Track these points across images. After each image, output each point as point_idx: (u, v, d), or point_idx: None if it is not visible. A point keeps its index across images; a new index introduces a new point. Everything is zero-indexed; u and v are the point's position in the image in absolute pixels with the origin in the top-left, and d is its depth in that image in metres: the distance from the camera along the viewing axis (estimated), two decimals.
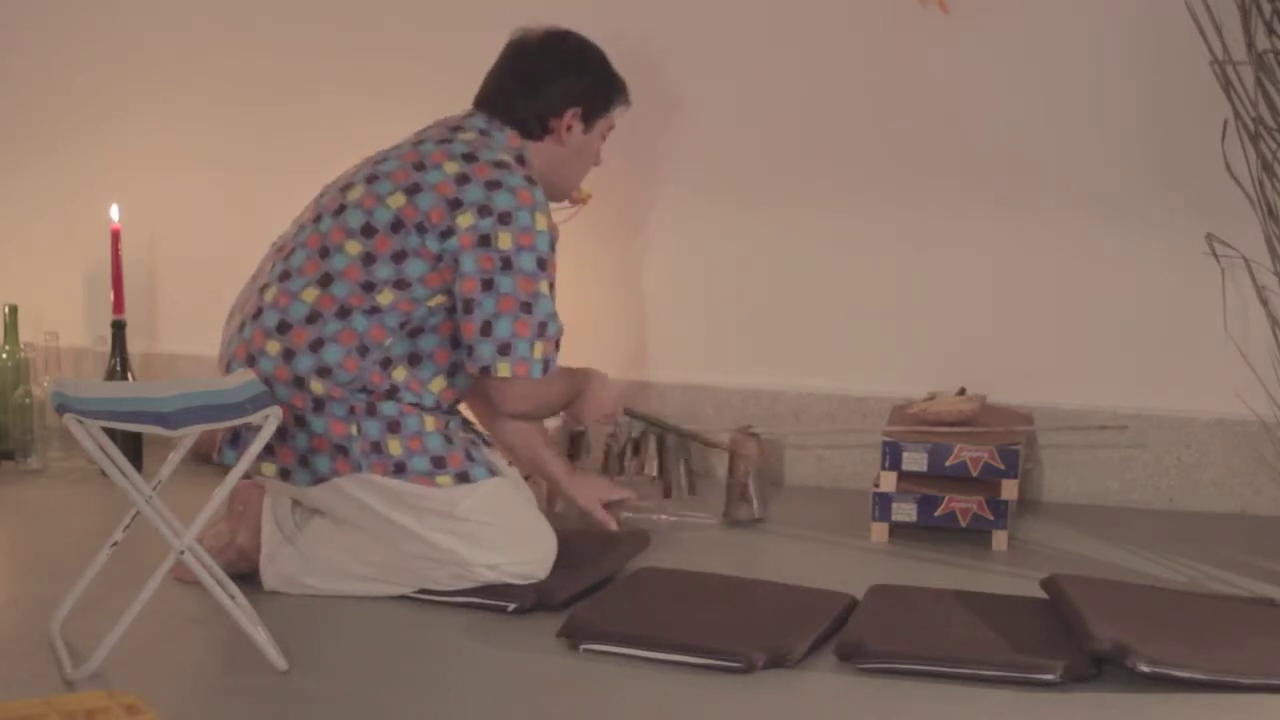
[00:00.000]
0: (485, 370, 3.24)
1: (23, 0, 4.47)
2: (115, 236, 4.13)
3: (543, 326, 3.24)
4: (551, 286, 3.26)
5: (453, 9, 4.15)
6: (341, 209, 3.29)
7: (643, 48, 3.87)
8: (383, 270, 3.22)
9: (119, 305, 4.12)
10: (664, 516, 3.73)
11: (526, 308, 3.22)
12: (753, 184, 4.09)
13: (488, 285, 3.21)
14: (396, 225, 3.24)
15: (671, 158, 4.10)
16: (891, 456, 3.70)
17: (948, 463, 3.67)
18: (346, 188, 3.33)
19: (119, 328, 4.13)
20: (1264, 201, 3.61)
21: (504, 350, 3.22)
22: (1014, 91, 3.93)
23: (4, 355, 4.18)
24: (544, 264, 3.24)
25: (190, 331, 4.37)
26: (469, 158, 3.28)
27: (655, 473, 3.92)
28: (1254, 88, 3.59)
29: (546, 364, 3.27)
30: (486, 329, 3.21)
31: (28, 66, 4.49)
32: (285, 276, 3.27)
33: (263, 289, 3.30)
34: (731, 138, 4.08)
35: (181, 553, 2.90)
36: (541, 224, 3.25)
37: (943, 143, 3.98)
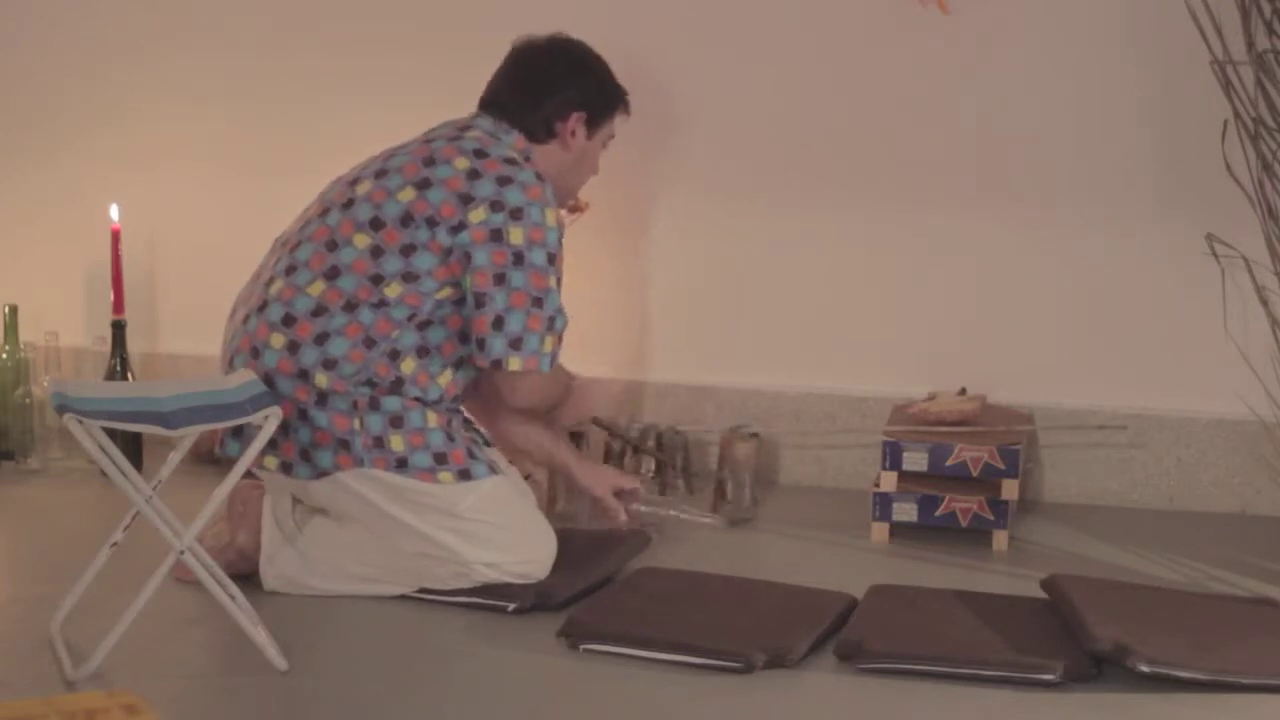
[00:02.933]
0: (497, 364, 3.25)
1: (22, 0, 4.47)
2: (115, 236, 4.13)
3: (551, 321, 3.26)
4: (558, 281, 3.28)
5: (453, 9, 4.15)
6: (350, 203, 3.30)
7: (642, 48, 3.86)
8: (391, 263, 3.23)
9: (119, 305, 4.12)
10: (672, 513, 3.71)
11: (538, 303, 3.24)
12: (753, 184, 4.09)
13: (500, 280, 3.22)
14: (406, 219, 3.24)
15: (671, 158, 4.10)
16: (892, 456, 3.70)
17: (948, 463, 3.68)
18: (354, 182, 3.34)
19: (119, 328, 4.12)
20: (1264, 201, 3.61)
21: (515, 344, 3.24)
22: (1014, 91, 3.93)
23: (4, 355, 4.18)
24: (553, 259, 3.26)
25: (190, 331, 4.37)
26: (480, 153, 3.29)
27: (653, 472, 3.93)
28: (1254, 88, 3.59)
29: (553, 357, 3.30)
30: (498, 323, 3.22)
31: (27, 66, 4.48)
32: (291, 270, 3.28)
33: (268, 283, 3.30)
34: (731, 138, 4.08)
35: (181, 553, 2.90)
36: (551, 219, 3.27)
37: (942, 143, 3.97)
